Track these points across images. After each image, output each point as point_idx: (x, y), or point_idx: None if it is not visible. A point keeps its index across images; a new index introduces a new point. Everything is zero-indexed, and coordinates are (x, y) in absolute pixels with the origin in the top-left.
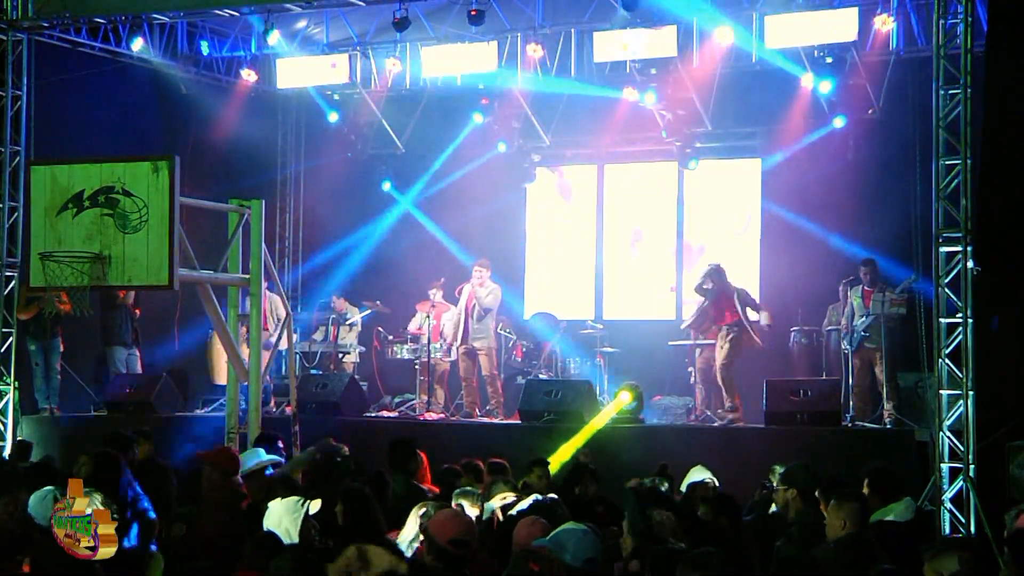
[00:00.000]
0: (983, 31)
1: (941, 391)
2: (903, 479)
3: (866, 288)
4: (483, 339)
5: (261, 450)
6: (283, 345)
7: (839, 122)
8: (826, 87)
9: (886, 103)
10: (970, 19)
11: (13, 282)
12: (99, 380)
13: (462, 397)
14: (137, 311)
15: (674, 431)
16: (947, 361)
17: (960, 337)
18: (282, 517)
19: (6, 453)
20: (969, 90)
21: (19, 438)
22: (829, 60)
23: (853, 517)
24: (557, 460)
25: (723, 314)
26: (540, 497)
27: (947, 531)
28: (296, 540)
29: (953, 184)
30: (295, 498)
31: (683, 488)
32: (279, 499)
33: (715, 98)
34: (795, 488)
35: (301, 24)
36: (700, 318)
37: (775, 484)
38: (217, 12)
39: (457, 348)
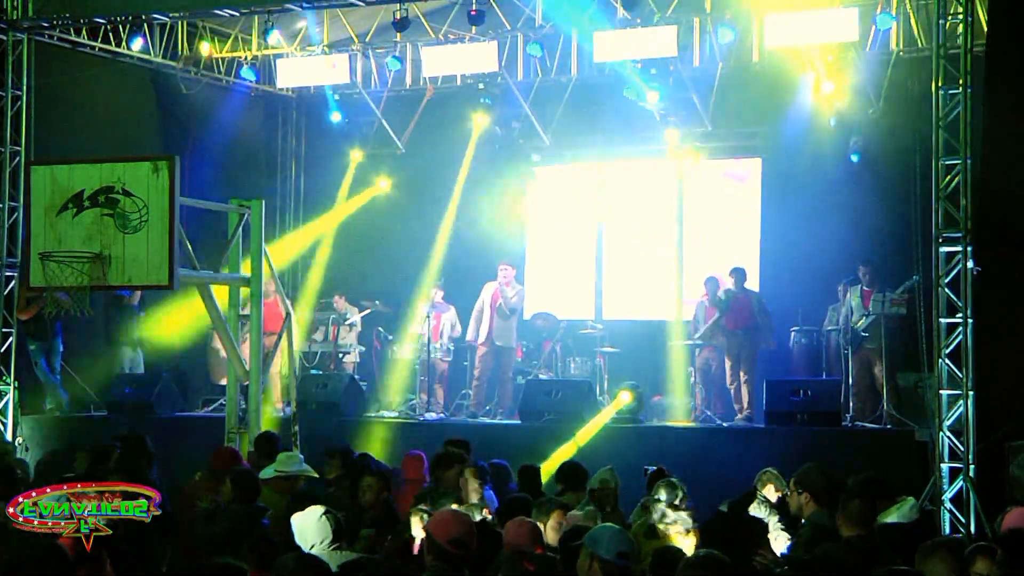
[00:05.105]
0: (983, 31)
1: (941, 391)
2: (901, 480)
3: (865, 288)
4: (507, 338)
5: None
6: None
7: (839, 122)
8: (825, 87)
9: (886, 103)
10: (970, 19)
11: (13, 282)
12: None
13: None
14: (143, 312)
15: (674, 431)
16: (947, 361)
17: (960, 337)
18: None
19: None
20: (969, 90)
21: None
22: (829, 60)
23: (855, 517)
24: (556, 461)
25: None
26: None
27: (947, 531)
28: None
29: (953, 184)
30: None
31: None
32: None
33: (715, 98)
34: (808, 492)
35: (301, 24)
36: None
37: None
38: (217, 12)
39: (479, 345)
